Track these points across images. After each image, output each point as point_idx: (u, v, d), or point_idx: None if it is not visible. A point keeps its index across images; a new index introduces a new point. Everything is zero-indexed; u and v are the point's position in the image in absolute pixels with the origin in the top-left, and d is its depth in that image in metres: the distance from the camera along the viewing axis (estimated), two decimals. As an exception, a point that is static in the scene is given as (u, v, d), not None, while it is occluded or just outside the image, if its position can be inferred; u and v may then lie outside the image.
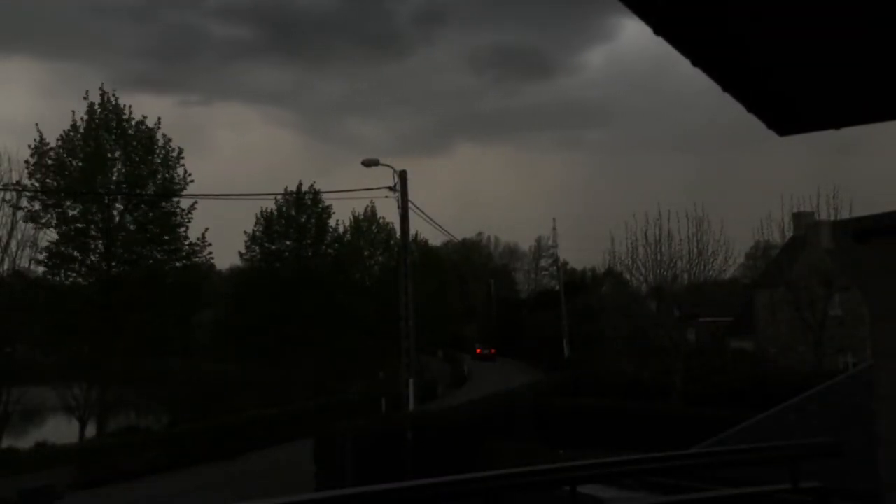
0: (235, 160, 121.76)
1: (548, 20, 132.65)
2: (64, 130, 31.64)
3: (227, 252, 78.97)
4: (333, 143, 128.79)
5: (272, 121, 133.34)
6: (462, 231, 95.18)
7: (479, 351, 71.47)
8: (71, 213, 31.88)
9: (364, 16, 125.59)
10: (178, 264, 34.48)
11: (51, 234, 31.63)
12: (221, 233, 42.76)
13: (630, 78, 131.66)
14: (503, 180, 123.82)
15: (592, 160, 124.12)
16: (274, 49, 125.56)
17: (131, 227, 32.89)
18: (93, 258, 32.70)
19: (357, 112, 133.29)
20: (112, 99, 32.41)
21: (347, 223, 47.32)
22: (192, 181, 33.86)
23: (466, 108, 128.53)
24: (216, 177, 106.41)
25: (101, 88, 32.42)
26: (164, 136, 33.38)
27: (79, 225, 31.96)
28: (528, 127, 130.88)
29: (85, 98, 32.01)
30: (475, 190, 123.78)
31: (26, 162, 30.52)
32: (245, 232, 41.77)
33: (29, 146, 30.85)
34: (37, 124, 31.45)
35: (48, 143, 31.14)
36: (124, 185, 32.22)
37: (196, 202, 34.04)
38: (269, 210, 41.75)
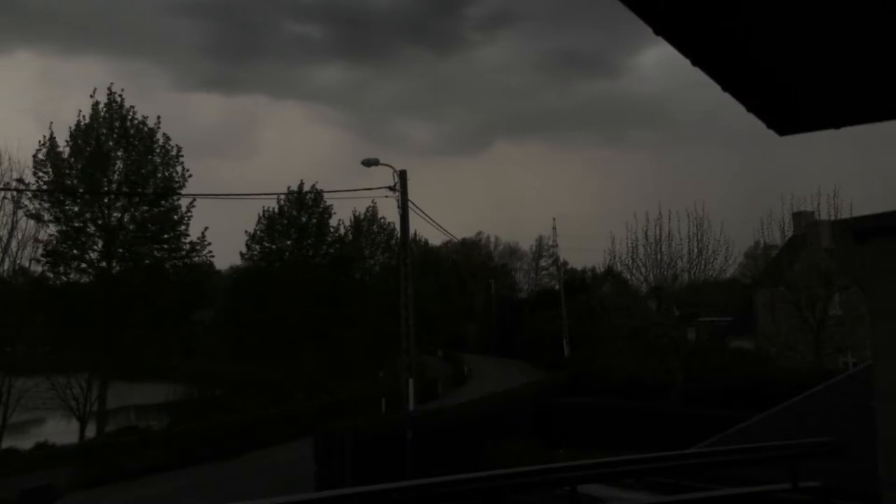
0: (281, 159, 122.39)
1: (604, 22, 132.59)
2: (70, 129, 31.76)
3: (227, 252, 79.20)
4: (380, 142, 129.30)
5: (323, 119, 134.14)
6: (463, 231, 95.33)
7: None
8: (71, 211, 31.91)
9: (427, 17, 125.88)
10: (178, 263, 34.51)
11: (52, 232, 31.73)
12: (223, 233, 42.86)
13: (683, 77, 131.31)
14: (545, 179, 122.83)
15: (634, 158, 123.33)
16: (337, 48, 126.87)
17: (131, 226, 32.90)
18: (93, 256, 32.74)
19: (408, 112, 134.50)
20: (118, 98, 32.52)
21: (348, 223, 47.39)
22: (190, 176, 33.97)
23: (516, 108, 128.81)
24: (260, 175, 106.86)
25: (108, 88, 32.60)
26: (164, 135, 33.50)
27: (77, 224, 31.96)
28: (581, 127, 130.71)
29: (91, 96, 32.15)
30: (515, 188, 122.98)
31: (34, 157, 30.71)
32: (246, 232, 41.82)
33: (38, 142, 31.12)
34: (51, 122, 31.63)
35: (56, 143, 31.32)
36: (124, 186, 32.24)
37: (194, 200, 34.11)
38: (270, 210, 41.83)
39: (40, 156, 31.02)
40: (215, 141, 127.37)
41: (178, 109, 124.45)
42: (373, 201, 47.91)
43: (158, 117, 33.40)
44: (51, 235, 31.42)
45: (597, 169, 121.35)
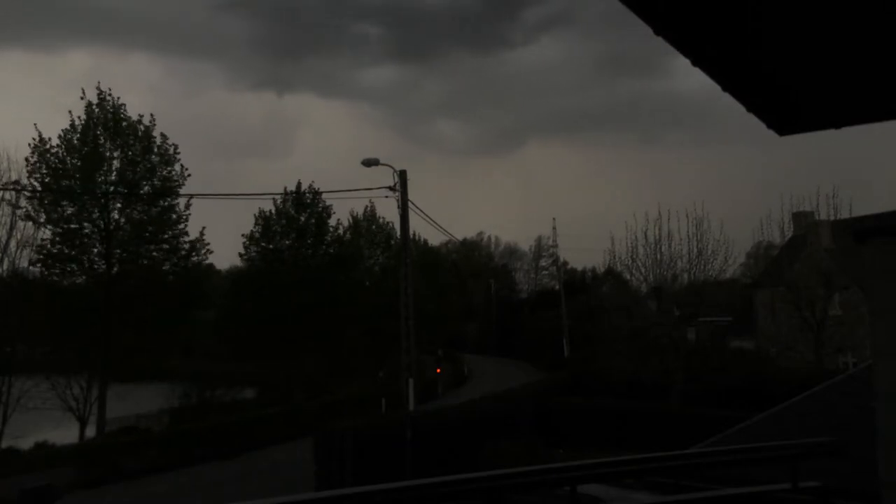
0: (317, 158, 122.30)
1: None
2: (63, 129, 31.68)
3: (227, 252, 79.13)
4: (415, 141, 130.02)
5: (364, 118, 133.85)
6: (464, 231, 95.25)
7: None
8: (68, 212, 31.86)
9: (481, 18, 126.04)
10: (176, 263, 34.48)
11: (48, 234, 31.69)
12: (226, 233, 42.88)
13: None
14: (578, 179, 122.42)
15: (667, 157, 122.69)
16: (391, 48, 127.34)
17: (128, 227, 32.87)
18: (91, 257, 32.70)
19: (448, 112, 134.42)
20: (109, 98, 32.43)
21: (347, 223, 47.37)
22: (189, 175, 33.90)
23: (555, 108, 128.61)
24: (292, 175, 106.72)
25: (97, 87, 32.47)
26: (161, 133, 33.45)
27: (73, 225, 31.93)
28: (618, 126, 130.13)
29: (82, 98, 32.02)
30: (540, 187, 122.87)
31: (26, 160, 30.59)
32: (243, 235, 41.72)
33: (29, 145, 30.91)
34: (35, 124, 31.50)
35: (48, 142, 31.19)
36: (121, 186, 32.19)
37: (191, 199, 34.06)
38: (268, 210, 41.76)
39: (34, 157, 30.89)
40: (259, 140, 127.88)
41: (228, 108, 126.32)
42: (370, 201, 47.98)
43: (152, 115, 33.38)
44: (44, 240, 31.39)
45: (630, 168, 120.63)
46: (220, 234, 47.97)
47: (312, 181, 43.65)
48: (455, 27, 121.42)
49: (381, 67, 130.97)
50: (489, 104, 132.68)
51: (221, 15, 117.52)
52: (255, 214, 41.58)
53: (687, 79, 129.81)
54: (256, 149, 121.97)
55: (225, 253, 67.38)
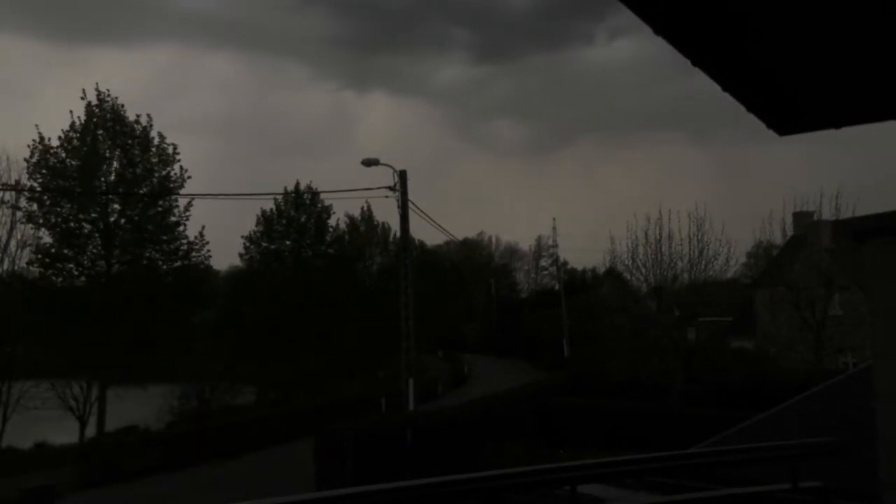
0: (383, 156, 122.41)
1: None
2: (63, 130, 31.68)
3: (228, 252, 79.17)
4: (470, 140, 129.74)
5: (425, 116, 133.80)
6: (464, 230, 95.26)
7: None
8: (68, 212, 31.85)
9: (563, 19, 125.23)
10: (176, 263, 34.48)
11: (48, 235, 31.68)
12: (224, 233, 42.86)
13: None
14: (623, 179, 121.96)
15: (705, 157, 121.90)
16: (468, 46, 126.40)
17: (127, 227, 32.88)
18: (90, 257, 32.70)
19: (509, 111, 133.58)
20: (108, 98, 32.45)
21: (345, 224, 47.34)
22: (189, 178, 33.89)
23: (613, 107, 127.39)
24: (349, 175, 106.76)
25: (96, 88, 32.48)
26: (159, 133, 33.44)
27: (72, 225, 31.92)
28: (667, 125, 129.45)
29: (83, 98, 32.02)
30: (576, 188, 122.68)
31: (26, 160, 30.59)
32: (243, 236, 41.72)
33: (28, 146, 30.91)
34: (36, 125, 31.50)
35: (48, 143, 31.20)
36: (121, 187, 32.19)
37: (192, 200, 34.05)
38: (269, 210, 41.76)
39: (34, 158, 30.88)
40: (320, 137, 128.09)
41: (300, 105, 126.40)
42: (366, 202, 47.95)
43: (149, 115, 33.36)
44: (43, 242, 31.37)
45: (673, 166, 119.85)
46: (221, 234, 48.05)
47: (311, 181, 43.65)
48: (536, 27, 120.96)
49: (455, 66, 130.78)
50: (549, 104, 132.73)
51: (301, 12, 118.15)
52: (258, 214, 41.69)
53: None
54: (316, 146, 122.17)
55: (225, 253, 67.44)
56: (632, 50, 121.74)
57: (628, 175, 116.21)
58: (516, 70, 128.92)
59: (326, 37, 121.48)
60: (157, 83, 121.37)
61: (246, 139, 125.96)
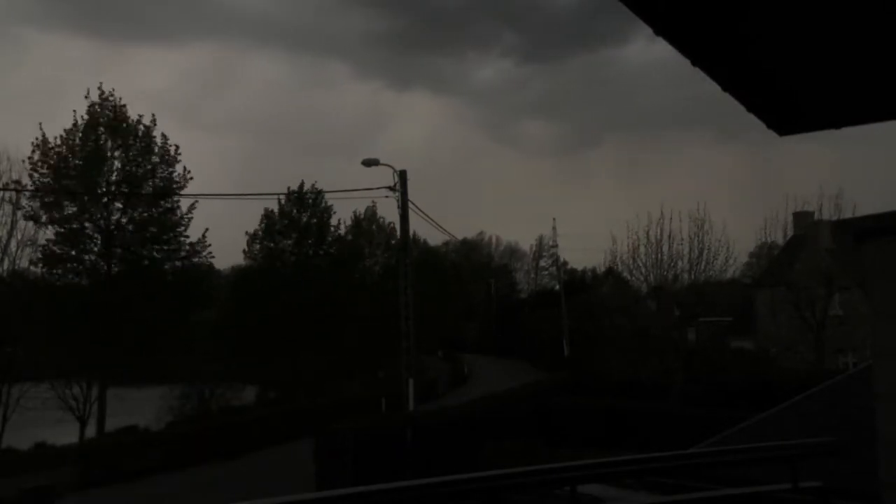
0: (406, 155, 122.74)
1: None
2: (65, 129, 31.70)
3: (228, 252, 79.18)
4: (500, 141, 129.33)
5: (457, 116, 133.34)
6: (464, 230, 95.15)
7: None
8: (69, 211, 31.86)
9: (598, 18, 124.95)
10: (177, 263, 34.49)
11: (50, 234, 31.70)
12: (224, 232, 42.76)
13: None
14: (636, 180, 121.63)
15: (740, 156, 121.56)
16: (510, 46, 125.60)
17: (130, 227, 32.88)
18: (91, 257, 32.71)
19: (541, 111, 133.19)
20: (111, 98, 32.45)
21: (348, 223, 47.33)
22: (191, 178, 33.89)
23: (643, 106, 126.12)
24: (373, 172, 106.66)
25: (99, 87, 32.49)
26: (161, 134, 33.48)
27: (74, 225, 31.93)
28: (694, 125, 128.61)
29: (86, 97, 32.06)
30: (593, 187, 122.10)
31: (29, 159, 30.62)
32: (246, 232, 41.75)
33: (31, 143, 30.98)
34: (40, 123, 31.51)
35: (51, 142, 31.24)
36: (124, 186, 32.21)
37: (196, 201, 34.05)
38: (271, 210, 41.79)
39: (35, 157, 30.90)
40: (356, 136, 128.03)
41: (339, 103, 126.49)
42: (372, 201, 47.85)
43: (153, 115, 33.37)
44: (46, 240, 31.41)
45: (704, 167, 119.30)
46: (229, 233, 47.97)
47: (315, 181, 43.61)
48: (578, 26, 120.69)
49: (494, 65, 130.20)
50: (581, 104, 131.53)
51: (345, 10, 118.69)
52: (262, 214, 41.73)
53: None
54: (351, 144, 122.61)
55: (226, 253, 67.35)
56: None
57: (662, 175, 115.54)
58: (554, 70, 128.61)
59: (367, 35, 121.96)
60: (198, 81, 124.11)
61: (282, 137, 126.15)
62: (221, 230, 43.43)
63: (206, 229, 34.61)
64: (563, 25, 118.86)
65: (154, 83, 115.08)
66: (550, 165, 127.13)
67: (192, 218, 33.96)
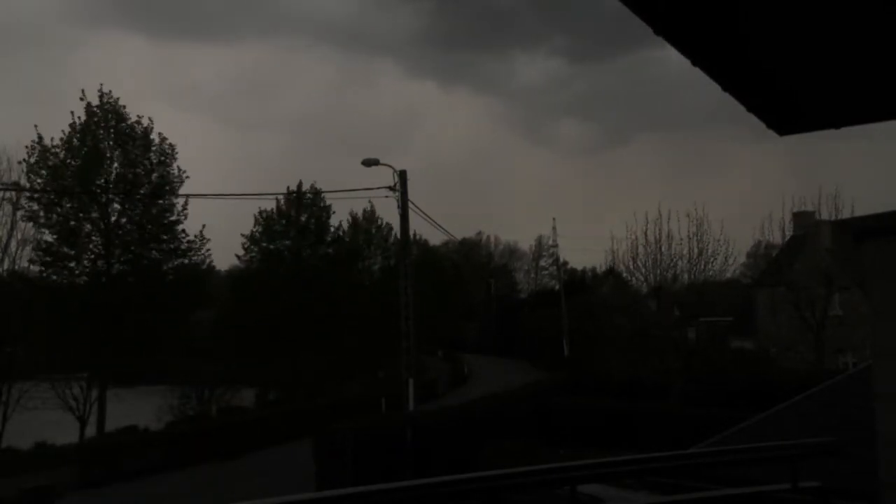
0: (437, 154, 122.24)
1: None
2: (63, 131, 31.66)
3: (228, 252, 79.14)
4: (533, 140, 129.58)
5: (491, 115, 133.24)
6: (464, 230, 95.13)
7: None
8: (68, 211, 31.82)
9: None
10: (176, 262, 34.46)
11: (49, 234, 31.64)
12: (224, 232, 42.70)
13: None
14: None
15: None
16: (556, 45, 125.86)
17: (127, 226, 32.86)
18: (90, 257, 32.69)
19: (576, 111, 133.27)
20: (109, 98, 32.41)
21: (347, 223, 47.31)
22: (187, 177, 33.90)
23: (677, 105, 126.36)
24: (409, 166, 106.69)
25: (99, 89, 32.45)
26: (158, 134, 33.45)
27: (73, 224, 31.90)
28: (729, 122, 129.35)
29: (82, 99, 31.99)
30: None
31: (25, 160, 30.56)
32: (242, 234, 41.66)
33: (26, 147, 30.87)
34: (35, 125, 31.46)
35: (46, 143, 31.16)
36: (122, 186, 32.19)
37: (188, 199, 34.01)
38: (268, 210, 41.72)
39: (32, 158, 30.84)
40: (392, 135, 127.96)
41: (377, 101, 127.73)
42: (370, 201, 47.84)
43: (149, 118, 33.35)
44: (44, 241, 31.35)
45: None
46: (222, 233, 47.90)
47: (314, 181, 43.58)
48: (623, 26, 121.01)
49: (540, 65, 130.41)
50: (614, 103, 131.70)
51: (394, 7, 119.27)
52: (254, 215, 41.60)
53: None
54: (383, 144, 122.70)
55: (226, 253, 67.38)
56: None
57: (697, 173, 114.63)
58: (596, 70, 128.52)
59: (415, 33, 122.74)
60: (249, 79, 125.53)
61: (322, 135, 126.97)
62: (231, 229, 43.44)
63: (203, 226, 34.58)
64: (609, 25, 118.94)
65: (202, 80, 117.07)
66: (581, 164, 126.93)
67: (187, 213, 33.97)
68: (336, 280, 41.17)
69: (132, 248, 33.07)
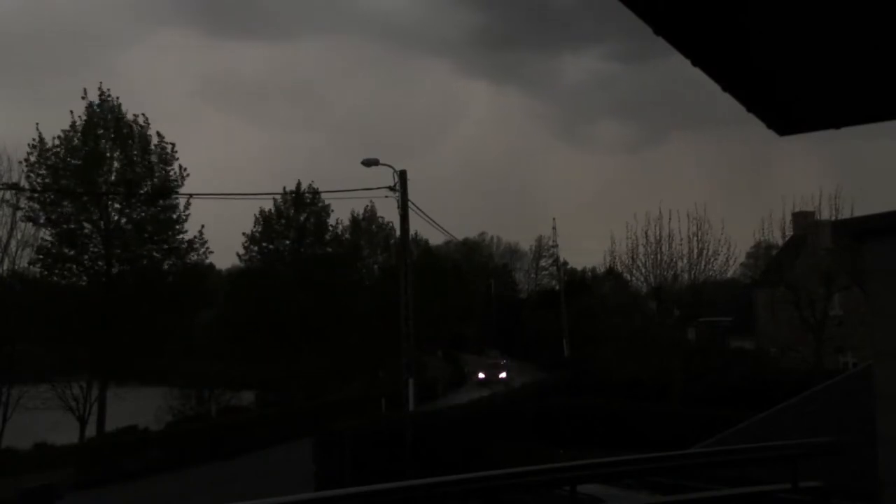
0: (474, 149, 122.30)
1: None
2: (62, 130, 31.64)
3: (228, 252, 79.01)
4: (568, 140, 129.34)
5: (532, 113, 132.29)
6: (464, 230, 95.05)
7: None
8: (68, 212, 31.80)
9: None
10: (176, 262, 34.42)
11: (49, 234, 31.64)
12: (224, 232, 42.66)
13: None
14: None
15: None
16: (607, 44, 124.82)
17: (128, 227, 32.82)
18: (90, 257, 32.67)
19: (616, 111, 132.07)
20: (109, 98, 32.40)
21: (347, 222, 47.27)
22: (188, 175, 33.80)
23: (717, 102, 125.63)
24: (437, 172, 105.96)
25: (99, 88, 32.44)
26: (157, 133, 33.38)
27: (72, 226, 31.88)
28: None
29: (83, 98, 31.98)
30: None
31: (27, 160, 30.53)
32: (244, 233, 41.65)
33: (28, 145, 30.86)
34: (37, 124, 31.43)
35: (46, 143, 31.16)
36: (121, 186, 32.16)
37: (190, 199, 33.94)
38: (268, 210, 41.69)
39: (32, 158, 30.83)
40: (430, 133, 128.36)
41: (416, 99, 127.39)
42: (370, 201, 47.72)
43: (145, 116, 33.28)
44: (44, 240, 31.35)
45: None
46: (223, 233, 47.76)
47: (312, 181, 43.58)
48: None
49: (585, 65, 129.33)
50: (656, 102, 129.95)
51: (449, 6, 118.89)
52: (255, 214, 41.58)
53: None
54: (419, 142, 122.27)
55: (226, 252, 67.30)
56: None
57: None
58: (639, 70, 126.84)
59: (469, 32, 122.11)
60: (301, 76, 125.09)
61: (363, 134, 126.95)
62: (235, 229, 43.41)
63: (203, 226, 34.52)
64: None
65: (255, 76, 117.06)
66: (618, 162, 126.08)
67: (189, 214, 33.92)
68: (336, 280, 41.16)
69: (132, 248, 33.05)
